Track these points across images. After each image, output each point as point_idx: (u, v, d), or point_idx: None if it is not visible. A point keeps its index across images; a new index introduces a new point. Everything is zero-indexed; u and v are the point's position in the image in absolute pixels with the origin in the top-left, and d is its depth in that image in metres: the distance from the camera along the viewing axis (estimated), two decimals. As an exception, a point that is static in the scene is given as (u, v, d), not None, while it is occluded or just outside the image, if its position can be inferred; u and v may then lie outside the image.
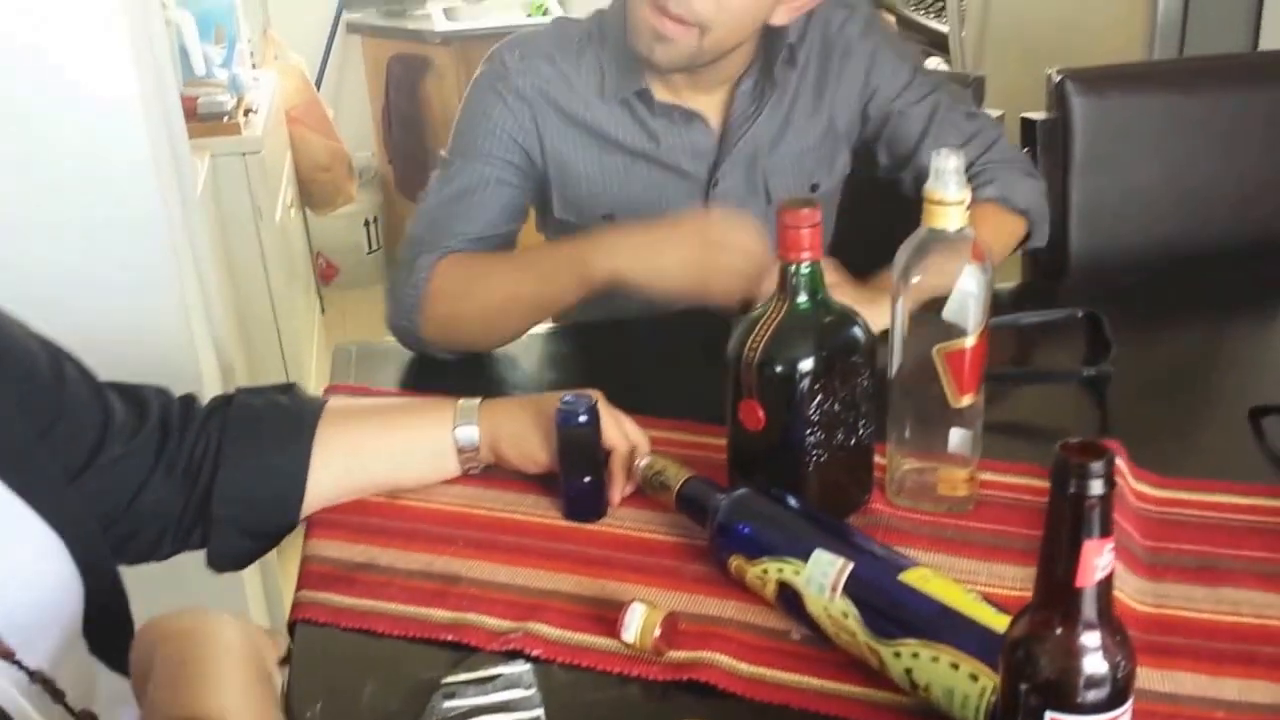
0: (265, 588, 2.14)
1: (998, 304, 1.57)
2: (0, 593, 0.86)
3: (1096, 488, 0.65)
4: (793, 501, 1.00)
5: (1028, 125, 1.66)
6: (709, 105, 1.48)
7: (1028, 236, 1.50)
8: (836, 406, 1.05)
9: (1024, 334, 1.41)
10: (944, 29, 3.07)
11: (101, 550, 0.99)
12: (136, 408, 1.07)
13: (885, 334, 1.09)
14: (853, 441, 1.07)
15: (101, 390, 1.06)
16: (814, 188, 1.53)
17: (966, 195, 1.02)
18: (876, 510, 1.10)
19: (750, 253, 1.29)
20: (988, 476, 1.11)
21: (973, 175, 1.46)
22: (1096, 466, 0.65)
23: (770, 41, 1.46)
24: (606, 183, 1.48)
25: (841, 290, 1.34)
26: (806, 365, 1.03)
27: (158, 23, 1.92)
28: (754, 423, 1.05)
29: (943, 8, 3.09)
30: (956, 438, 1.08)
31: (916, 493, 1.10)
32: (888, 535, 1.05)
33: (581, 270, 1.32)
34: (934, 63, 3.20)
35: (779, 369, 1.03)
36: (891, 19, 3.69)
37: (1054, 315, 1.39)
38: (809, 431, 1.04)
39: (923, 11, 3.38)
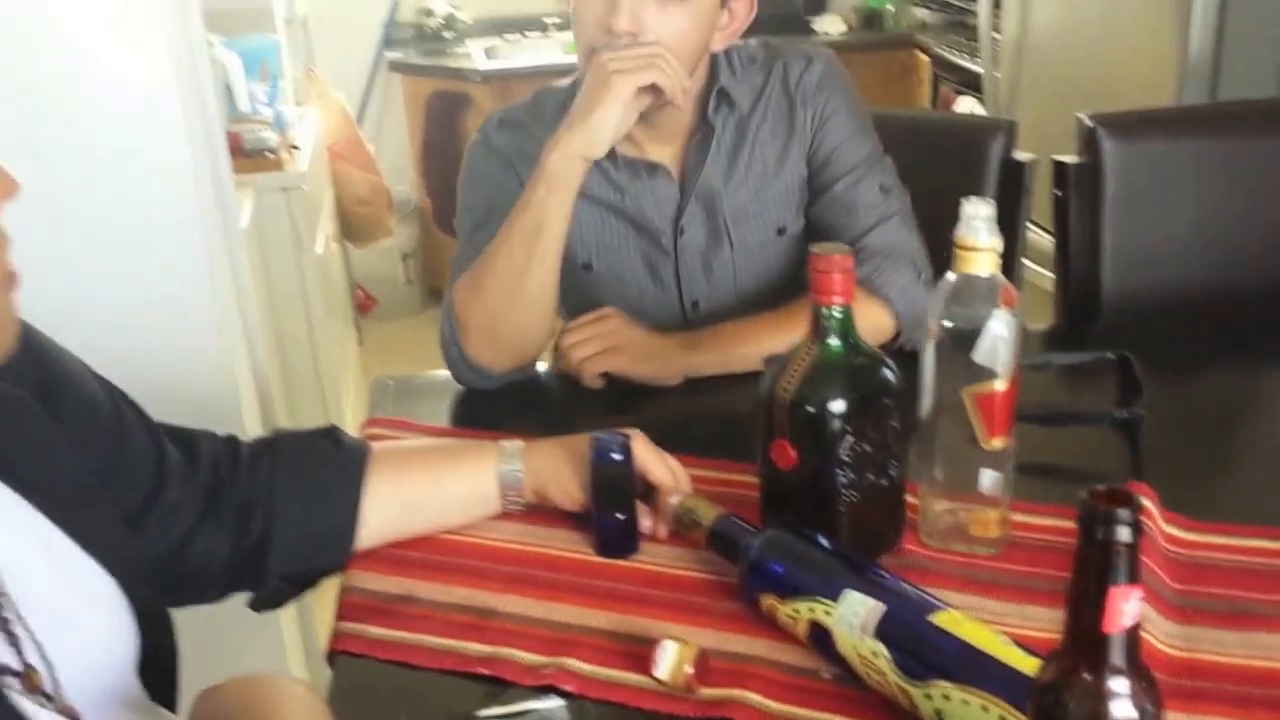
0: (300, 613, 2.17)
1: (1029, 345, 1.59)
2: (69, 658, 0.87)
3: (1124, 535, 0.66)
4: (824, 541, 1.02)
5: (1059, 168, 1.68)
6: (670, 157, 1.54)
7: (899, 333, 1.47)
8: (868, 447, 1.06)
9: (1056, 376, 1.42)
10: (978, 69, 3.09)
11: (155, 596, 1.01)
12: (188, 453, 1.09)
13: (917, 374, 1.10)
14: (884, 482, 1.08)
15: (158, 435, 1.07)
16: (780, 231, 1.56)
17: (998, 242, 1.03)
18: (909, 551, 1.11)
19: (638, 51, 1.36)
20: (1019, 518, 1.12)
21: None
22: (1124, 514, 0.66)
23: (710, 87, 1.51)
24: (583, 234, 1.54)
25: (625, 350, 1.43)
26: (838, 406, 1.04)
27: (204, 61, 1.96)
28: (786, 462, 1.06)
29: (976, 48, 3.11)
30: (988, 479, 1.09)
31: (948, 534, 1.11)
32: (920, 576, 1.05)
33: (544, 176, 1.37)
34: (968, 103, 3.22)
35: (810, 409, 1.05)
36: (925, 59, 3.72)
37: (1085, 357, 1.40)
38: (840, 471, 1.05)
39: (956, 52, 3.40)
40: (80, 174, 1.68)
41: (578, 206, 1.45)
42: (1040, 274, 2.13)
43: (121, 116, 1.68)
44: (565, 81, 1.58)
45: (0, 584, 0.83)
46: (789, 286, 1.51)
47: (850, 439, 1.05)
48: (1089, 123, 1.67)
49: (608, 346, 1.44)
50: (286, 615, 2.03)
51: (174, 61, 1.70)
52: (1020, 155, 1.72)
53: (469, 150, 1.57)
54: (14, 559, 0.85)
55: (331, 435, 1.18)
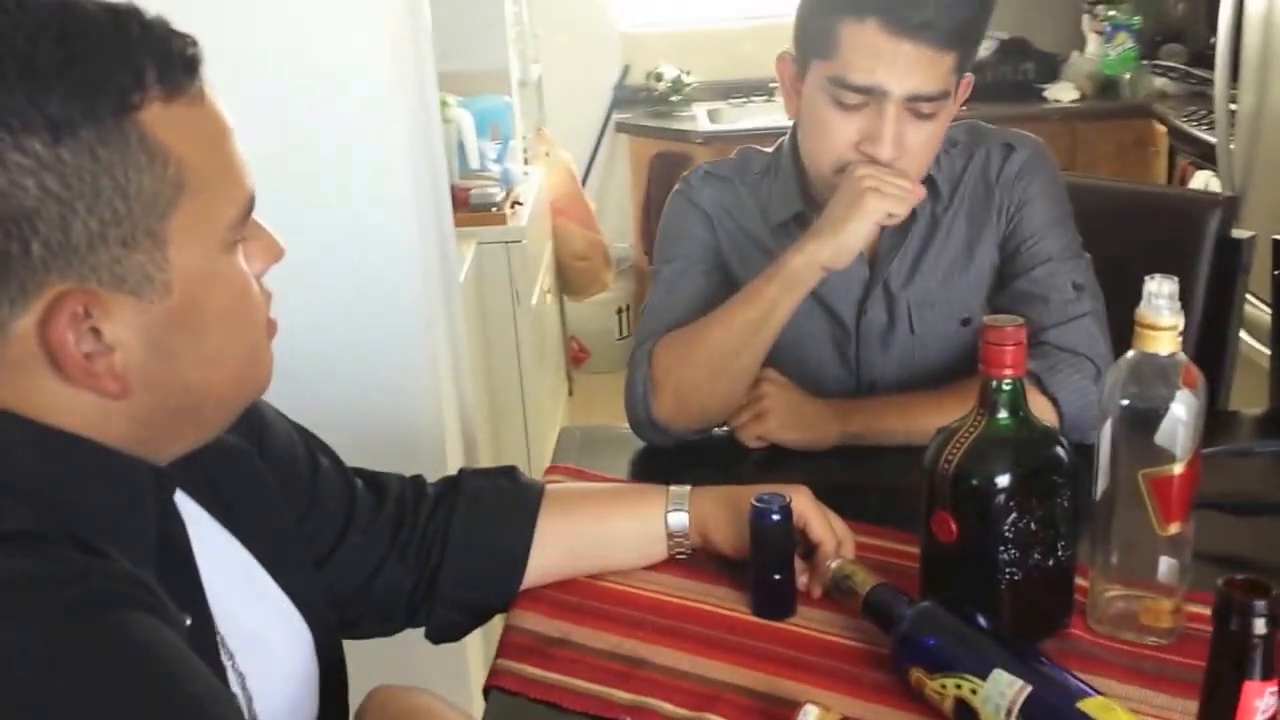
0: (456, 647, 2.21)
1: (1239, 431, 1.51)
2: (267, 690, 0.93)
3: (1259, 627, 0.64)
4: (981, 620, 0.99)
5: (1277, 246, 1.59)
6: None
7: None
8: (1033, 525, 1.03)
9: (1260, 464, 1.35)
10: (1215, 141, 2.97)
11: (335, 633, 1.06)
12: (377, 494, 1.14)
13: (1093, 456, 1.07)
14: (1050, 562, 1.05)
15: (349, 478, 1.14)
16: (965, 322, 1.51)
17: (1179, 321, 1.00)
18: (1074, 636, 1.07)
19: (896, 182, 1.36)
20: (1195, 609, 1.07)
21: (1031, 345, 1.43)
22: (1260, 605, 0.64)
23: None
24: None
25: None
26: (1002, 481, 1.02)
27: (435, 121, 2.05)
28: (946, 535, 1.05)
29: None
30: (1163, 566, 1.05)
31: (1118, 621, 1.07)
32: (1082, 662, 1.02)
33: (781, 276, 1.39)
34: (1204, 178, 3.09)
35: (974, 482, 1.03)
36: (1162, 129, 3.59)
37: (1288, 446, 1.33)
38: (1002, 548, 1.03)
39: (1195, 124, 3.27)
40: (310, 226, 1.78)
41: None
42: (1264, 353, 2.02)
43: (355, 172, 1.78)
44: (769, 148, 1.59)
45: (213, 617, 0.89)
46: (969, 376, 1.47)
47: (1014, 515, 1.03)
48: (1312, 200, 1.59)
49: (756, 412, 1.45)
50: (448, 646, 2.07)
51: (407, 121, 1.80)
52: (1238, 233, 1.65)
53: (672, 198, 1.60)
54: (219, 587, 0.91)
55: (510, 474, 1.22)
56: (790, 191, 1.51)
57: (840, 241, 1.37)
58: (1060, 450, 1.05)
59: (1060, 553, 1.06)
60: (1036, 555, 1.04)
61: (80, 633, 0.68)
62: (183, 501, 0.92)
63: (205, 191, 0.78)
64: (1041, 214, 1.48)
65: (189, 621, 0.83)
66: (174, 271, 0.77)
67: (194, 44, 0.79)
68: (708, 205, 1.56)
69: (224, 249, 0.81)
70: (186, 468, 0.90)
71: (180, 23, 0.81)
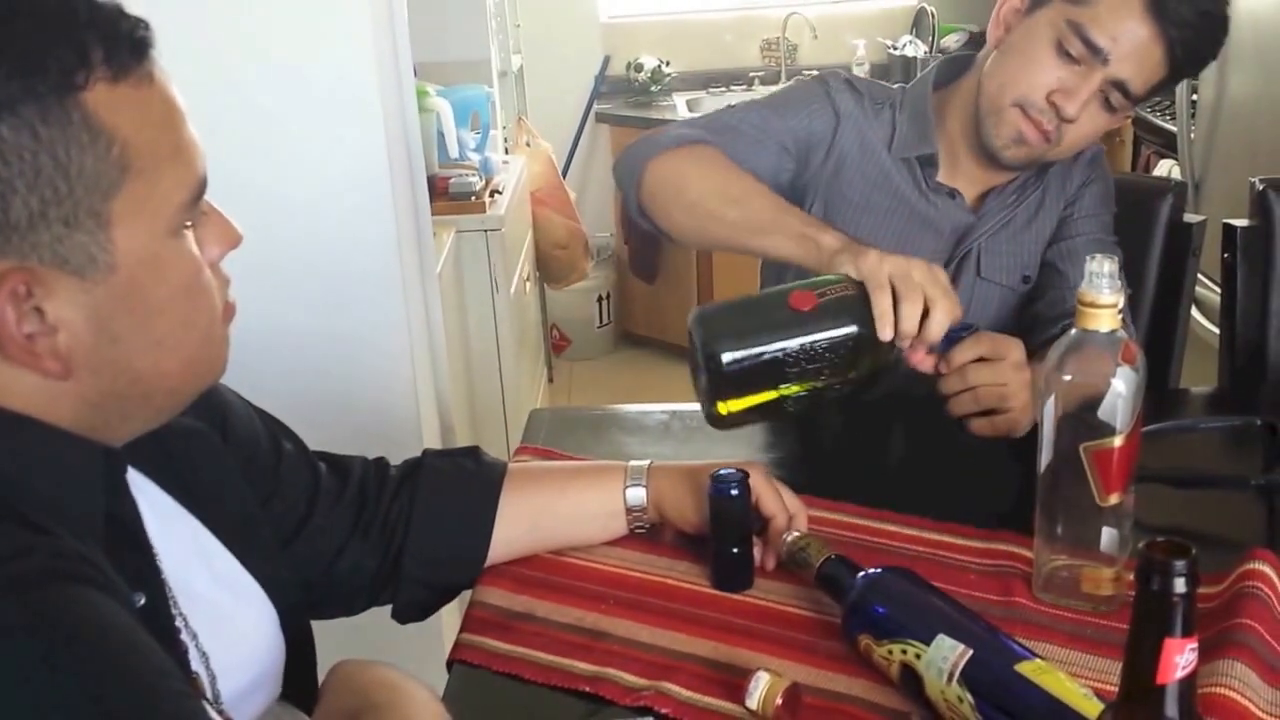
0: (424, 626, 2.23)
1: (1190, 407, 1.55)
2: (231, 669, 0.94)
3: (1179, 586, 0.67)
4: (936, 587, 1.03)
5: (1229, 231, 1.63)
6: (969, 190, 1.57)
7: None
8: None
9: (1203, 439, 1.39)
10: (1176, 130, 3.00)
11: (302, 612, 1.08)
12: (340, 477, 1.16)
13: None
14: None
15: (312, 462, 1.15)
16: (1026, 279, 1.57)
17: (1119, 299, 1.03)
18: (1019, 604, 1.11)
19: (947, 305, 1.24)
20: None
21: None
22: (1179, 565, 0.67)
23: None
24: (864, 219, 1.56)
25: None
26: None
27: (412, 112, 2.06)
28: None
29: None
30: (1105, 537, 1.08)
31: (1062, 589, 1.11)
32: (1027, 629, 1.06)
33: (813, 243, 1.32)
34: (1167, 166, 3.13)
35: None
36: (1128, 119, 3.62)
37: (1232, 422, 1.36)
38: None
39: (1159, 114, 3.30)
40: (284, 213, 1.80)
41: (875, 193, 1.53)
42: (1214, 332, 2.07)
43: (330, 160, 1.80)
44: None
45: (172, 596, 0.90)
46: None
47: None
48: (1260, 186, 1.62)
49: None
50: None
51: (383, 108, 1.81)
52: (1189, 217, 1.69)
53: (808, 84, 1.61)
54: (180, 567, 0.92)
55: (473, 454, 1.25)
56: (923, 131, 1.55)
57: (828, 263, 1.28)
58: None
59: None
60: None
61: (22, 607, 0.68)
62: (142, 483, 0.92)
63: (152, 174, 0.77)
64: (1101, 198, 1.58)
65: (143, 600, 0.85)
66: (119, 253, 0.77)
67: (145, 27, 0.78)
68: (843, 110, 1.57)
69: (172, 232, 0.80)
70: (146, 450, 0.91)
71: (156, 9, 0.81)
